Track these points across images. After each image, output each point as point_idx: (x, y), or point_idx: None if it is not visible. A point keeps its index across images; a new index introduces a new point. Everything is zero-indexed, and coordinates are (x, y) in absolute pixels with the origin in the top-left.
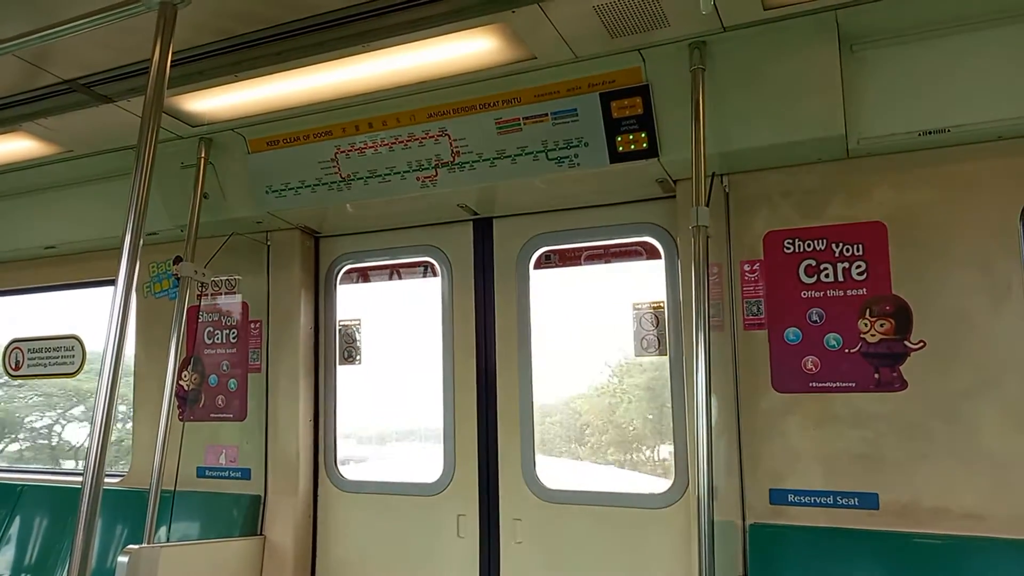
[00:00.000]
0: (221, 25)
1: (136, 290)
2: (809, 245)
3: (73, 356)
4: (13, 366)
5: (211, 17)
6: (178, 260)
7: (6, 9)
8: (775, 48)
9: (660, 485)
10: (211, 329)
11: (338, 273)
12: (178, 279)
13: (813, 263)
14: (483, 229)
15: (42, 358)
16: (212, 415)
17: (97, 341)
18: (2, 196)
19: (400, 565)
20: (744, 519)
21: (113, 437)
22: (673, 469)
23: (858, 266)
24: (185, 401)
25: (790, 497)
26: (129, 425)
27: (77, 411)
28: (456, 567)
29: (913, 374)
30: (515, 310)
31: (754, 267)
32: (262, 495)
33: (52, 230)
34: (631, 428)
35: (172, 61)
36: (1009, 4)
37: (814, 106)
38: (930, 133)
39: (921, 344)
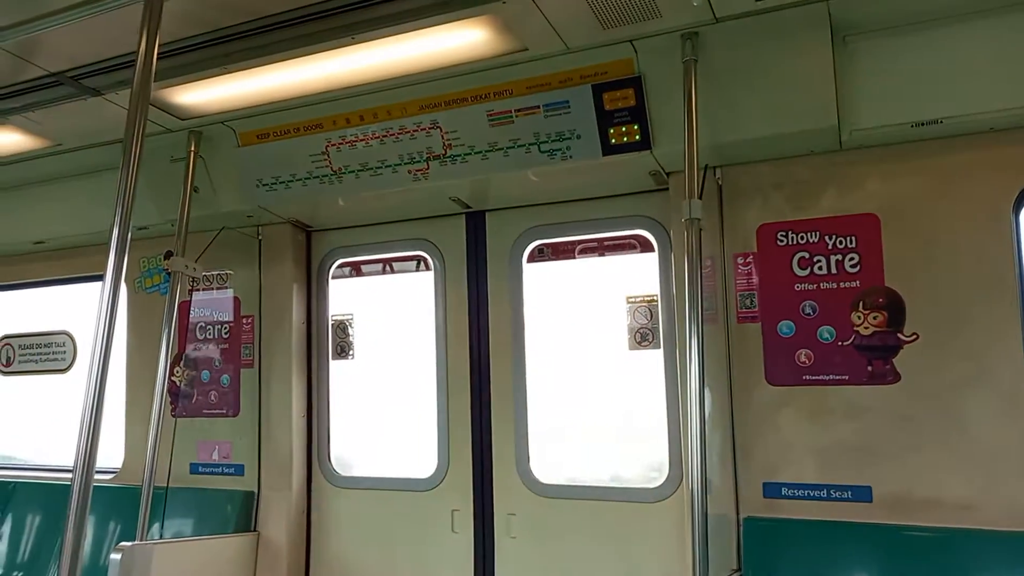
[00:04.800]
0: (208, 17)
1: (127, 285)
2: (802, 237)
3: (65, 352)
4: (4, 362)
5: (198, 8)
6: (169, 255)
7: None
8: (767, 39)
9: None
10: (203, 324)
11: (330, 267)
12: (169, 274)
13: (806, 255)
14: (476, 222)
15: (33, 354)
16: (205, 411)
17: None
18: None
19: (394, 560)
20: (738, 512)
21: None
22: (667, 463)
23: (851, 258)
24: (177, 397)
25: (784, 490)
26: None
27: None
28: (450, 562)
29: (906, 366)
30: (508, 304)
31: (747, 260)
32: (256, 491)
33: (41, 225)
34: None
35: (160, 53)
36: None
37: (806, 97)
38: (923, 124)
39: (914, 336)
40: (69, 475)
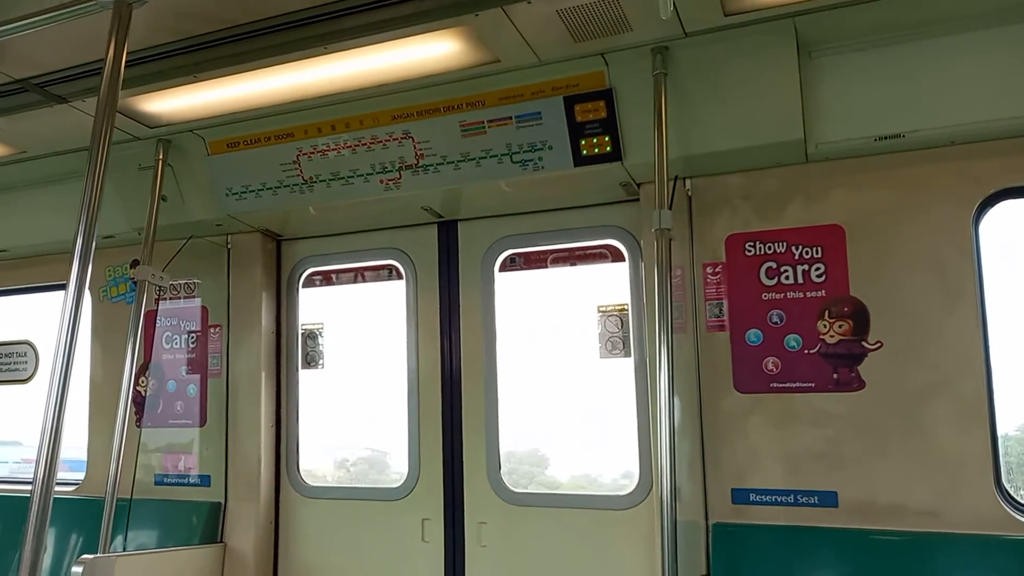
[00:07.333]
0: (179, 25)
1: (91, 294)
2: (770, 248)
3: (26, 362)
4: None
5: (169, 17)
6: (135, 263)
7: None
8: (735, 54)
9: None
10: (169, 334)
11: (300, 276)
12: (135, 283)
13: (774, 265)
14: (448, 232)
15: None
16: (170, 421)
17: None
18: None
19: (364, 571)
20: (707, 519)
21: None
22: (637, 470)
23: (817, 268)
24: (142, 407)
25: (752, 496)
26: None
27: None
28: (420, 571)
29: (871, 374)
30: (480, 313)
31: (716, 269)
32: (222, 502)
33: (4, 233)
34: None
35: (129, 61)
36: (961, 13)
37: (774, 111)
38: (886, 138)
39: (878, 344)
40: (29, 487)
